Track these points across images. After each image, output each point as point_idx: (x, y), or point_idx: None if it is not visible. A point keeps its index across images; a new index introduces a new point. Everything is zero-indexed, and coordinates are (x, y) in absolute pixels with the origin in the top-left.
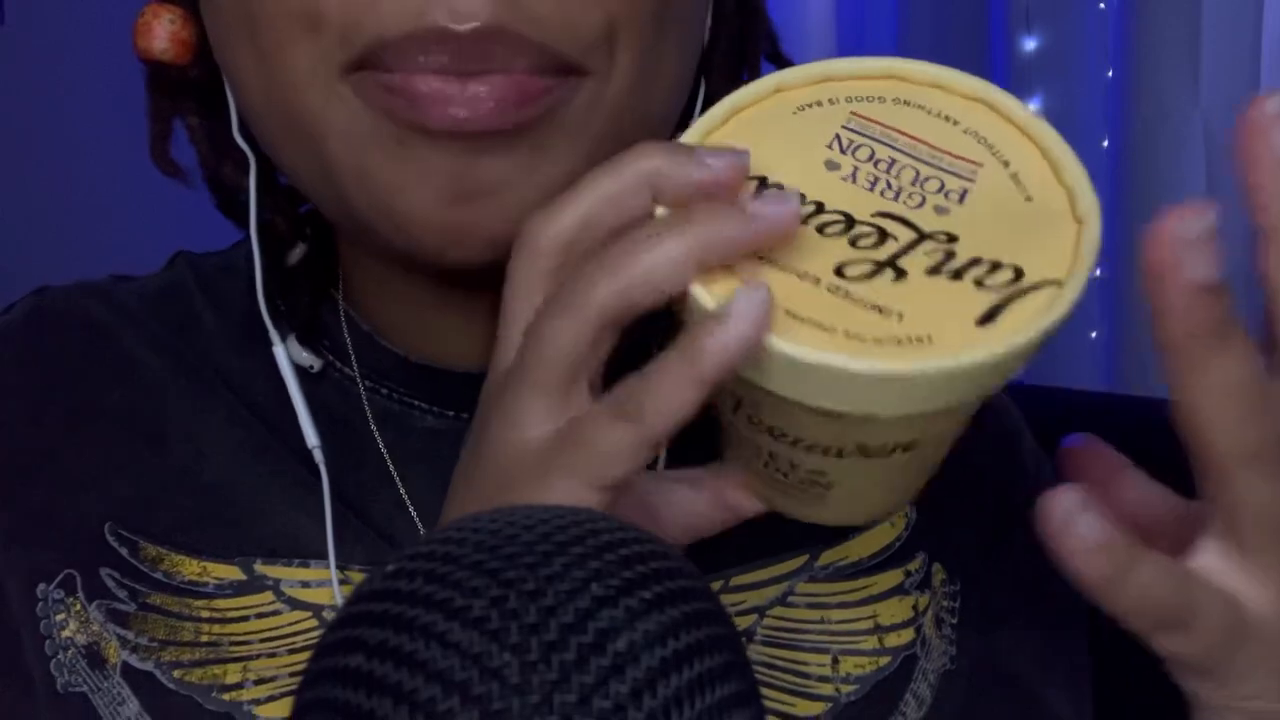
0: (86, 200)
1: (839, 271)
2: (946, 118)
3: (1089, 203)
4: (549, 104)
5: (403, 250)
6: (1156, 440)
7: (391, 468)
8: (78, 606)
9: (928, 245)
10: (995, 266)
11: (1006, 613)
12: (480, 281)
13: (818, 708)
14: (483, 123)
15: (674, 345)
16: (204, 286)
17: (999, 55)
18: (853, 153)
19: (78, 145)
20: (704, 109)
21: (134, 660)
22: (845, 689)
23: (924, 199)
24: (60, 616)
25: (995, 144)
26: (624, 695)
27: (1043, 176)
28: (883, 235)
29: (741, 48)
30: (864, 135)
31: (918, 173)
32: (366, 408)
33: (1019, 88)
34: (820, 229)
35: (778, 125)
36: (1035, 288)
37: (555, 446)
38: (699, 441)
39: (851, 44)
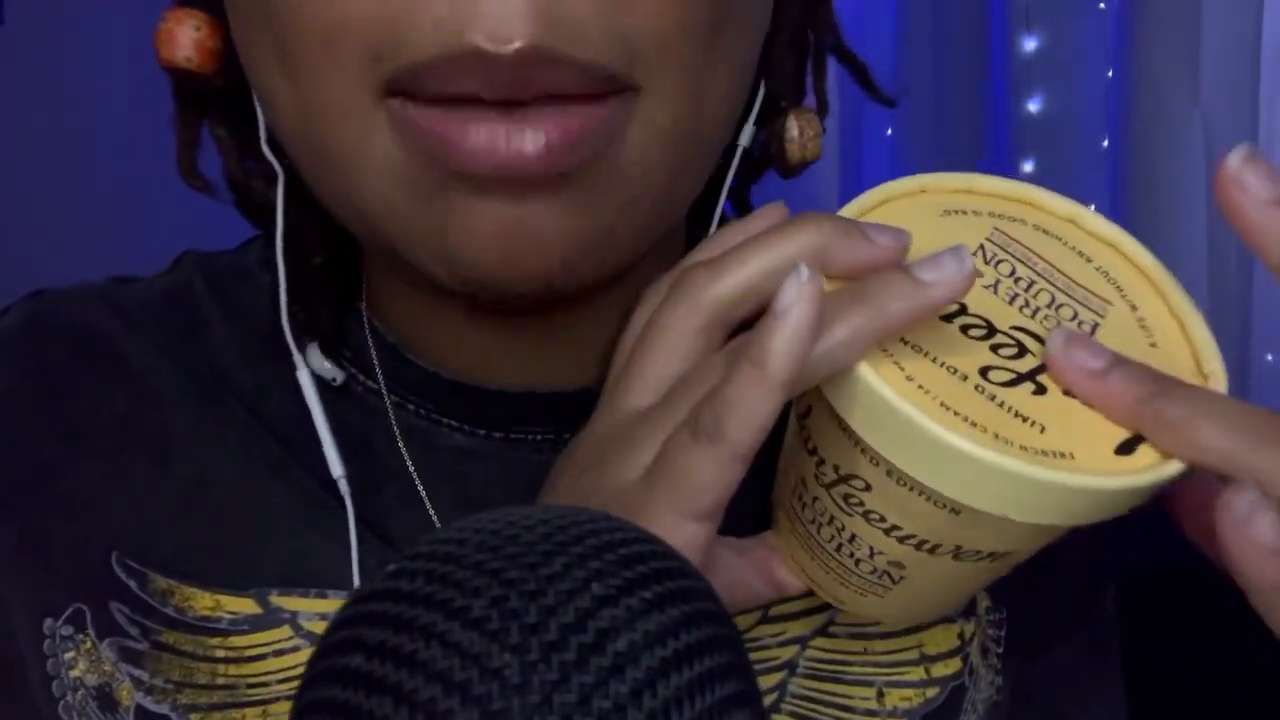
0: (86, 201)
1: (983, 373)
2: (1080, 253)
3: (1216, 365)
4: (597, 143)
5: (444, 285)
6: None
7: (420, 487)
8: (88, 644)
9: None
10: None
11: (1047, 641)
12: (524, 308)
13: None
14: (529, 168)
15: (744, 353)
16: (214, 290)
17: (999, 55)
18: (995, 265)
19: (78, 145)
20: (763, 110)
21: (149, 703)
22: None
23: (1058, 323)
24: (69, 655)
25: (1124, 287)
26: (624, 695)
27: (1168, 328)
28: (1021, 349)
29: (804, 43)
30: (1006, 251)
31: (1053, 298)
32: (393, 424)
33: (1019, 88)
34: (964, 329)
35: (926, 223)
36: None
37: (648, 482)
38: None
39: (852, 44)
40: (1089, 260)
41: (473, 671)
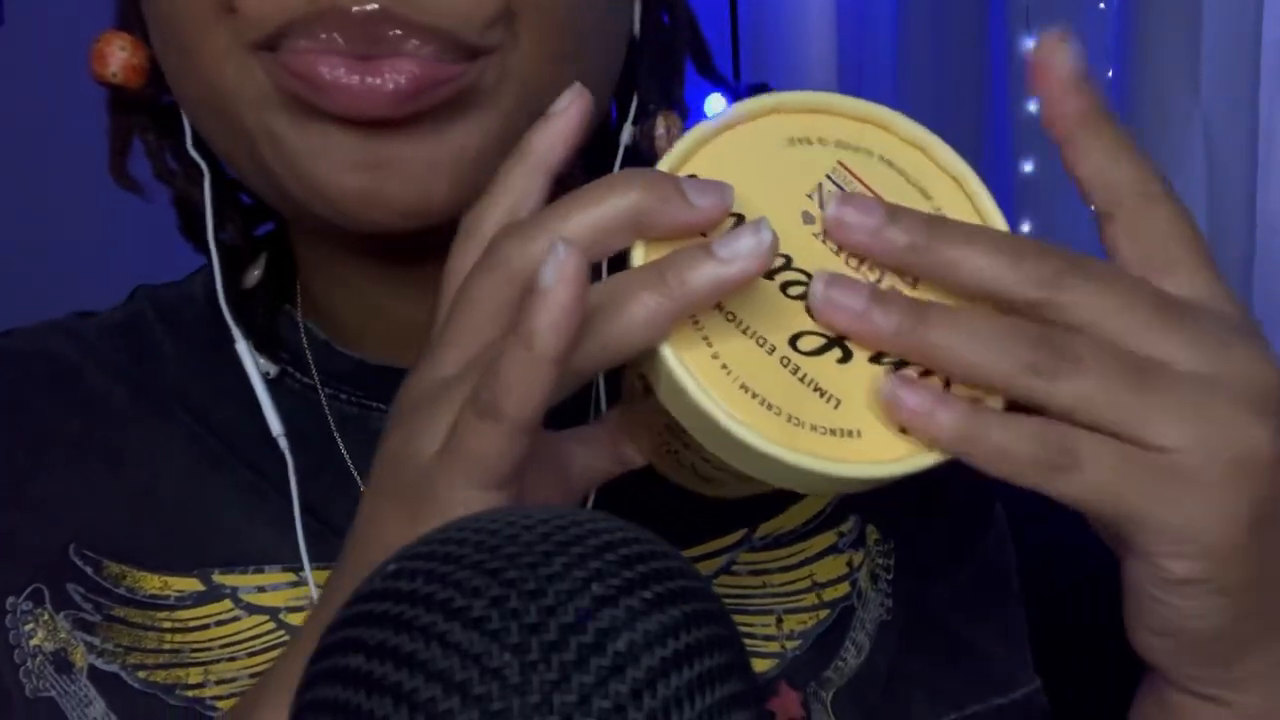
0: (85, 201)
1: (793, 341)
2: (922, 190)
3: None
4: (449, 92)
5: (324, 216)
6: None
7: (354, 470)
8: (45, 616)
9: None
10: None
11: (938, 567)
12: (429, 255)
13: (766, 665)
14: (379, 111)
15: (513, 331)
16: (163, 316)
17: (999, 55)
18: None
19: (77, 145)
20: (636, 116)
21: (100, 663)
22: (790, 645)
23: (881, 276)
24: (29, 626)
25: None
26: (624, 695)
27: None
28: None
29: (668, 58)
30: (844, 191)
31: None
32: (327, 413)
33: (1019, 88)
34: (784, 287)
35: (767, 157)
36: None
37: (442, 458)
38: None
39: (852, 44)
40: (930, 199)
41: (473, 671)
